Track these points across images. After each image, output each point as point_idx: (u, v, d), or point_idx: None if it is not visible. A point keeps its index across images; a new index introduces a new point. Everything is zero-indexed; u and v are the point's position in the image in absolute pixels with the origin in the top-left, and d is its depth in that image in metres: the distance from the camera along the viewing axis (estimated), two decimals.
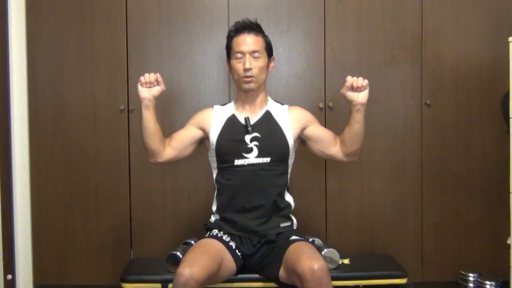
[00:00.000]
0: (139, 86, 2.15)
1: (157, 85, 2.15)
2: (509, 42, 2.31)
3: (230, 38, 2.20)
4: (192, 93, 2.72)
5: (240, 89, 2.22)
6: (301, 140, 2.28)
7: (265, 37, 2.21)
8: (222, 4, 2.71)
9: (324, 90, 2.72)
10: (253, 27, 2.18)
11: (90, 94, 2.71)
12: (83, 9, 2.70)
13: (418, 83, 2.74)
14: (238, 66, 2.16)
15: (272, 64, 2.25)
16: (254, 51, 2.14)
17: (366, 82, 2.11)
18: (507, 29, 2.66)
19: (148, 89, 2.15)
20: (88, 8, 2.70)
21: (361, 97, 2.11)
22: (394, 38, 2.73)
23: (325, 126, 2.73)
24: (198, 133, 2.24)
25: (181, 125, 2.70)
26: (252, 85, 2.16)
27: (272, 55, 2.25)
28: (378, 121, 2.74)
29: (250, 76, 2.14)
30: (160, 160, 2.21)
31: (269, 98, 2.29)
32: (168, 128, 2.73)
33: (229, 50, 2.21)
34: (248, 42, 2.15)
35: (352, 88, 2.11)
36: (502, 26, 2.71)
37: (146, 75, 2.14)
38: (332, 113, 2.73)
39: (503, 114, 2.61)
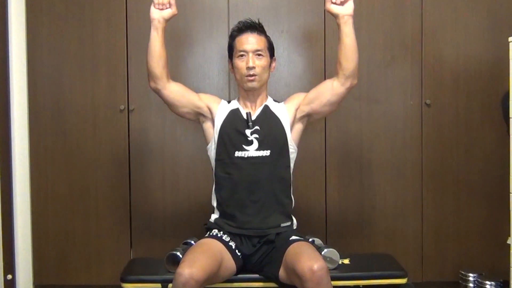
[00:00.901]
0: (152, 7, 2.14)
1: (169, 7, 2.14)
2: (509, 42, 2.31)
3: (233, 37, 2.20)
4: None
5: (242, 88, 2.22)
6: (307, 116, 2.24)
7: (267, 37, 2.21)
8: (222, 4, 2.71)
9: None
10: (256, 27, 2.18)
11: (90, 94, 2.72)
12: (83, 9, 2.70)
13: (418, 83, 2.74)
14: (241, 64, 2.15)
15: (273, 65, 2.25)
16: (257, 50, 2.14)
17: None
18: (507, 29, 2.66)
19: (160, 10, 2.14)
20: (88, 8, 2.70)
21: (347, 8, 2.10)
22: (394, 38, 2.73)
23: (324, 126, 2.75)
24: (202, 105, 2.21)
25: (182, 125, 2.71)
26: (255, 83, 2.16)
27: (274, 56, 2.25)
28: (378, 121, 2.74)
29: (253, 75, 2.14)
30: (160, 87, 2.16)
31: (269, 97, 2.29)
32: (169, 128, 2.74)
33: (231, 49, 2.21)
34: (251, 41, 2.15)
35: (335, 2, 2.09)
36: (502, 26, 2.71)
37: None
38: (331, 113, 2.72)
39: (503, 114, 2.61)
